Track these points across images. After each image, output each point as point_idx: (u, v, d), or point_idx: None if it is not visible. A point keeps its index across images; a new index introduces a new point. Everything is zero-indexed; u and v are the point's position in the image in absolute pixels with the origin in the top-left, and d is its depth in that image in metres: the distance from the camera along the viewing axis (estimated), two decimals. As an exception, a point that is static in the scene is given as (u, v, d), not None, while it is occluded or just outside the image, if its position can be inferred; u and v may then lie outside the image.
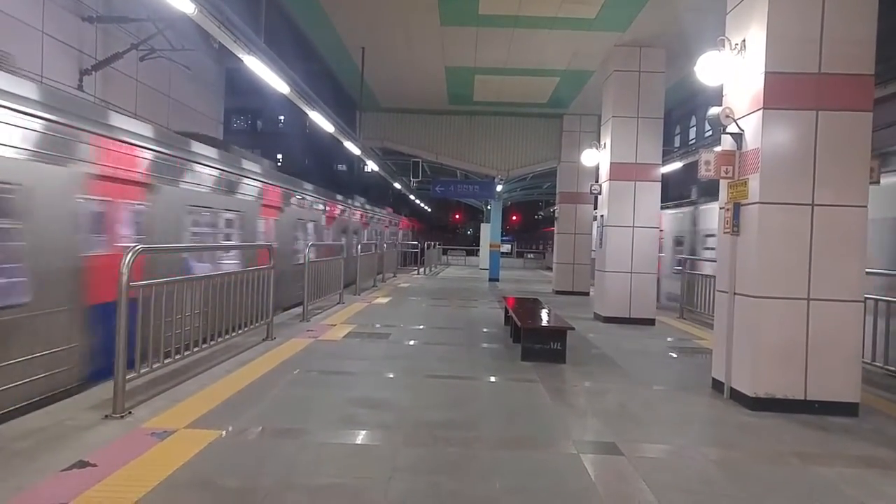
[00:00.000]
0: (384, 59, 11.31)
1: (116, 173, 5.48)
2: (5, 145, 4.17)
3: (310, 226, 12.42)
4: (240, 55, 6.85)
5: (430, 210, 43.99)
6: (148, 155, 6.01)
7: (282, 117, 33.82)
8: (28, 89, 4.47)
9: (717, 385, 5.12)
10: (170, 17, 9.69)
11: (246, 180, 8.75)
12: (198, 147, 7.31)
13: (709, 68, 5.03)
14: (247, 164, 8.95)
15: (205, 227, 7.55)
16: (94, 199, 5.22)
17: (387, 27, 9.76)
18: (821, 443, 3.94)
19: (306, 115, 10.04)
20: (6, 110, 4.16)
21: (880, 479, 3.33)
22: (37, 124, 4.46)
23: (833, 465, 3.53)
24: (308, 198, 12.51)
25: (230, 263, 8.09)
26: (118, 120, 5.68)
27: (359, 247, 13.07)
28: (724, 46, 4.99)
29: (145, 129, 6.10)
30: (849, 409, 4.52)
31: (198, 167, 7.14)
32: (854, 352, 4.58)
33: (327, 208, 14.19)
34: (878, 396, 5.15)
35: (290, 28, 10.33)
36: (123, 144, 5.58)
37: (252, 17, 7.50)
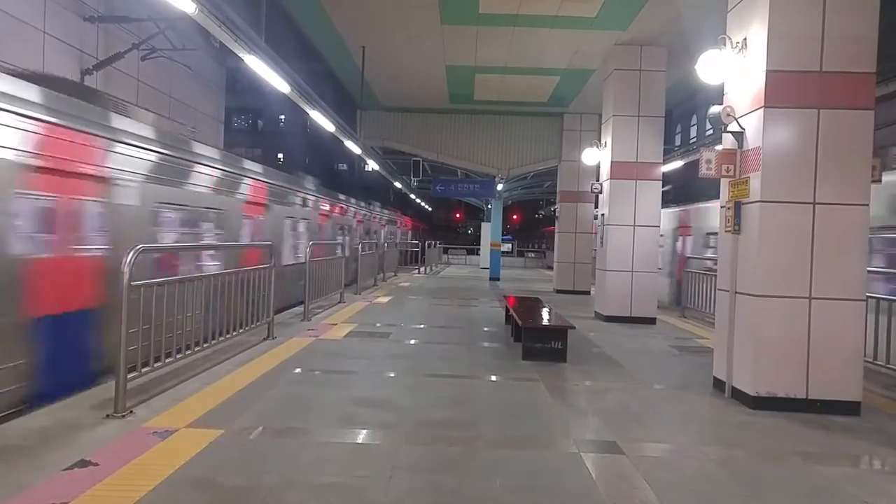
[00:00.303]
0: (385, 57, 11.30)
1: (255, 199, 8.94)
2: (219, 189, 7.54)
3: (345, 227, 15.69)
4: (241, 54, 6.85)
5: (430, 209, 43.98)
6: (266, 187, 9.39)
7: (282, 116, 33.77)
8: (248, 163, 8.80)
9: (719, 384, 5.12)
10: (171, 16, 9.68)
11: (310, 197, 12.22)
12: (286, 177, 10.81)
13: (710, 67, 5.02)
14: (310, 186, 12.54)
15: (290, 231, 10.96)
16: (246, 216, 8.60)
17: (387, 26, 9.75)
18: (822, 442, 3.94)
19: (307, 114, 10.05)
20: (236, 177, 8.12)
21: (882, 478, 3.33)
22: (235, 179, 8.07)
23: (835, 463, 3.53)
24: (344, 206, 15.78)
25: (300, 256, 10.91)
26: (255, 166, 9.20)
27: (359, 246, 13.11)
28: (725, 45, 4.98)
29: (264, 169, 9.54)
30: (850, 408, 4.51)
31: (287, 191, 10.67)
32: (856, 350, 4.57)
33: (356, 214, 17.35)
34: (880, 395, 5.14)
35: (291, 27, 10.32)
36: (256, 181, 8.97)
37: (253, 17, 7.50)
